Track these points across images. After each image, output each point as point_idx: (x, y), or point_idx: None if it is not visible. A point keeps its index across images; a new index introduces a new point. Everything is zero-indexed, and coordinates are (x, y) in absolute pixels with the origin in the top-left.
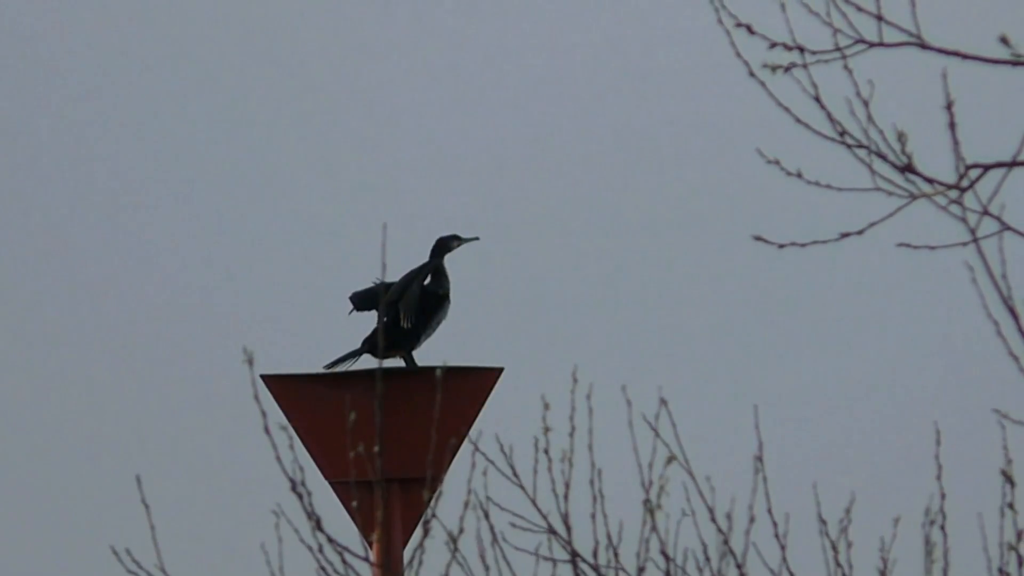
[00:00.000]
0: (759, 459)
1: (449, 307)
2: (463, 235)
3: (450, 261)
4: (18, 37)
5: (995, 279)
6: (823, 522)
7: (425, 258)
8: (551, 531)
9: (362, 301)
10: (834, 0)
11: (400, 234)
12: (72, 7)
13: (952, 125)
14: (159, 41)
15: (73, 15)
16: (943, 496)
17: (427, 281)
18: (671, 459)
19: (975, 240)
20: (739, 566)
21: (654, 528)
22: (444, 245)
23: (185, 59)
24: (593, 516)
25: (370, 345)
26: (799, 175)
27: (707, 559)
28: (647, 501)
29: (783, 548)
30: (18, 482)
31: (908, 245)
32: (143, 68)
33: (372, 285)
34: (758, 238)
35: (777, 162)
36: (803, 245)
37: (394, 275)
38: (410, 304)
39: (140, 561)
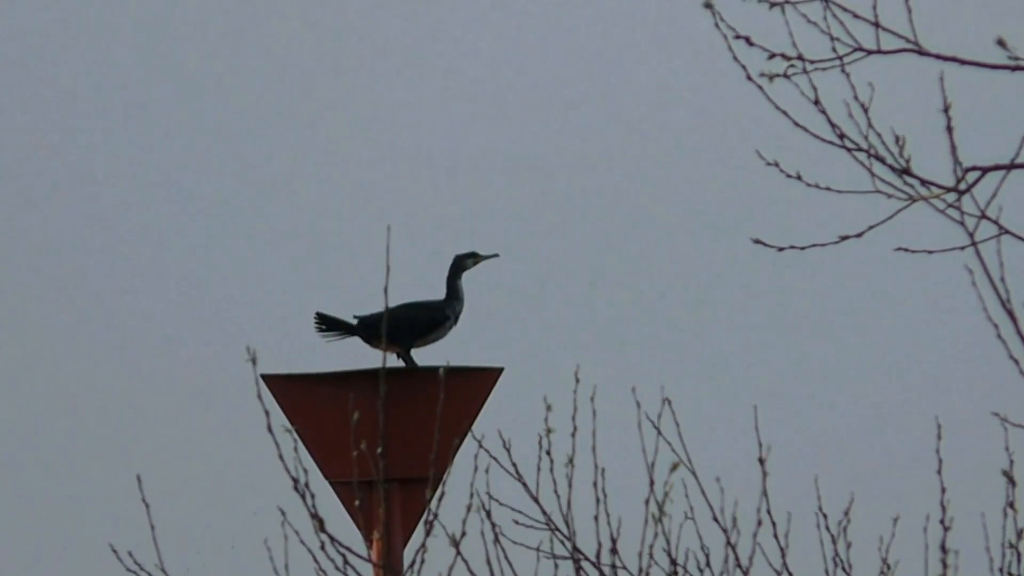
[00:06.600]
0: (760, 460)
1: (450, 329)
2: (482, 252)
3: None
4: (17, 36)
5: (993, 282)
6: (824, 515)
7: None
8: (553, 528)
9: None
10: (831, 9)
11: (403, 235)
12: (82, 8)
13: (949, 128)
14: (164, 42)
15: (80, 15)
16: (943, 491)
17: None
18: (676, 466)
19: (973, 244)
20: (744, 570)
21: (656, 537)
22: (460, 264)
23: (189, 59)
24: (596, 518)
25: (363, 328)
26: (798, 177)
27: (707, 561)
28: (648, 501)
29: (783, 549)
30: (19, 481)
31: (906, 249)
32: (147, 68)
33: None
34: (757, 241)
35: (776, 164)
36: (802, 248)
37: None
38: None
39: (140, 560)
